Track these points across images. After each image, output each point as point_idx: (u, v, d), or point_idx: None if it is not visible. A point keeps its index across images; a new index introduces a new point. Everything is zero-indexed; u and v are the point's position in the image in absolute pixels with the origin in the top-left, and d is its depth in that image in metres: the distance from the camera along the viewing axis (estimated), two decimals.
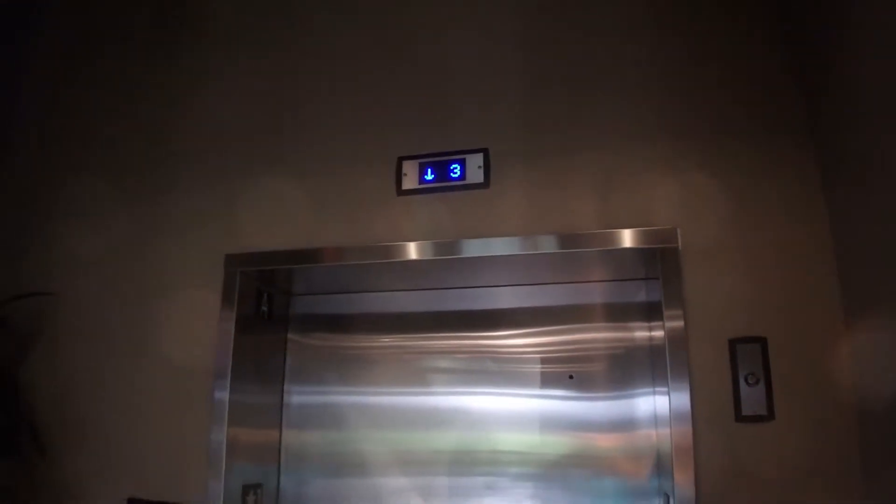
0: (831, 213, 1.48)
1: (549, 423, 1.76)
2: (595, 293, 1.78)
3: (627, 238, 1.52)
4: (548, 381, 1.79)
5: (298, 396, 1.95)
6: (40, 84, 2.11)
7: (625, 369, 1.73)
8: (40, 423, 1.80)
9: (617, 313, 1.76)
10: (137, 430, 1.73)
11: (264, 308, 1.80)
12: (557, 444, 1.75)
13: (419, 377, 1.87)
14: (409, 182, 1.64)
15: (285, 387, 1.95)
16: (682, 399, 1.44)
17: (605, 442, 1.72)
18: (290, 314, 1.99)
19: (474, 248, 1.57)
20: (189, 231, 1.82)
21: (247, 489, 1.66)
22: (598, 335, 1.77)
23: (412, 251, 1.61)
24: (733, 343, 1.47)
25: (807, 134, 1.53)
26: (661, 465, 1.61)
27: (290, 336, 1.98)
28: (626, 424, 1.71)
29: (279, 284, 1.89)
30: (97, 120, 2.00)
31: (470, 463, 1.79)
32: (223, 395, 1.66)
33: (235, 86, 1.91)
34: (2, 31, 2.13)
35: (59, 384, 1.83)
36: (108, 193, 1.92)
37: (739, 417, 1.45)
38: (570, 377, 1.76)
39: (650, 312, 1.70)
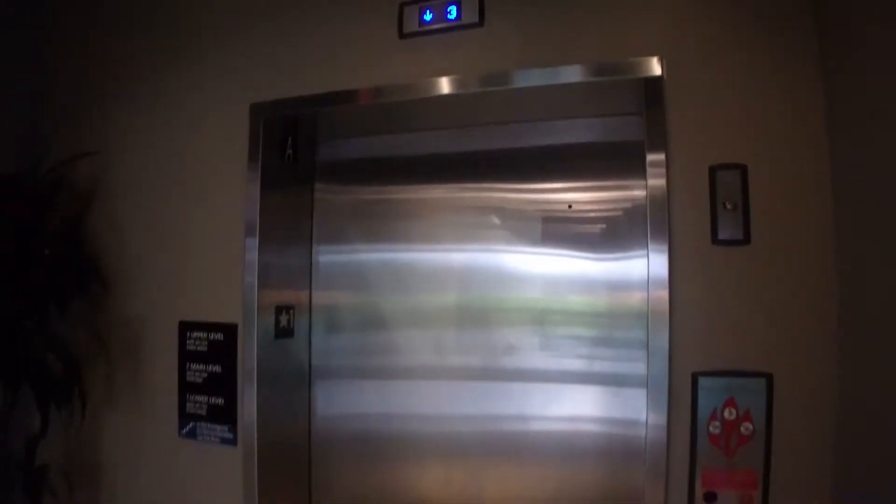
0: (820, 39, 1.48)
1: (556, 281, 1.87)
2: (590, 130, 1.85)
3: (612, 69, 1.58)
4: (553, 237, 1.88)
5: (326, 256, 2.08)
6: None
7: (625, 224, 1.81)
8: (104, 268, 2.06)
9: (615, 151, 1.82)
10: (184, 270, 1.97)
11: (289, 152, 1.94)
12: (562, 300, 1.87)
13: (430, 233, 1.99)
14: (410, 25, 1.74)
15: (314, 246, 2.08)
16: (661, 222, 1.54)
17: (605, 298, 1.83)
18: (316, 163, 2.09)
19: (473, 83, 1.69)
20: (217, 86, 1.96)
21: (279, 309, 1.90)
22: (601, 191, 1.84)
23: (424, 89, 1.72)
24: (713, 170, 1.54)
25: None
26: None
27: (316, 195, 2.09)
28: (623, 284, 1.80)
29: (304, 131, 2.00)
30: None
31: (482, 319, 1.92)
32: (252, 256, 1.84)
33: None
34: None
35: (115, 234, 2.07)
36: (146, 57, 2.07)
37: (715, 240, 1.54)
38: (569, 206, 1.85)
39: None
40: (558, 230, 1.88)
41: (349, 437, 2.03)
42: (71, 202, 2.08)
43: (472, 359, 1.93)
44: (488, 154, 1.95)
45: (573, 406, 1.85)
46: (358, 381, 2.04)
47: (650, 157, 1.57)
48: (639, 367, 1.69)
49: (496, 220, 1.93)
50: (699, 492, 1.55)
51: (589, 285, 1.84)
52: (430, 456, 1.97)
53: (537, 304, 1.88)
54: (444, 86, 1.71)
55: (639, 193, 1.76)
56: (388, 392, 2.01)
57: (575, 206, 1.85)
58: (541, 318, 1.88)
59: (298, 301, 2.02)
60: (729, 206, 1.54)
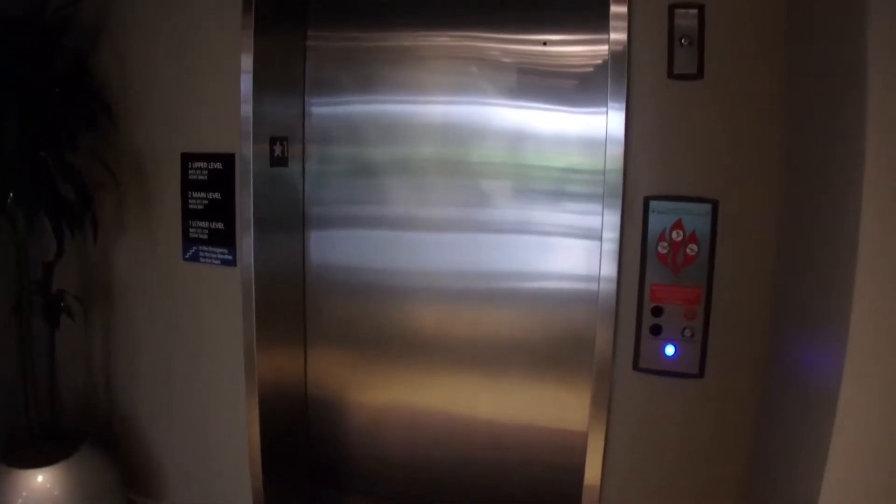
0: None
1: (528, 134, 1.99)
2: None
3: None
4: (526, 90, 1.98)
5: (318, 108, 2.18)
6: None
7: (592, 75, 1.90)
8: (110, 103, 2.19)
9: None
10: (184, 105, 2.10)
11: None
12: (535, 154, 1.99)
13: (414, 84, 2.08)
14: None
15: (306, 98, 2.17)
16: (622, 67, 1.68)
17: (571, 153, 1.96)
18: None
19: None
20: None
21: (273, 140, 2.04)
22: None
23: None
24: (672, 8, 1.65)
25: None
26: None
27: (308, 42, 2.15)
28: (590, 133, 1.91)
29: None
30: None
31: (460, 168, 2.06)
32: (248, 89, 1.95)
33: None
34: None
35: (121, 71, 2.17)
36: None
37: (672, 75, 1.67)
38: (545, 44, 1.93)
39: None
40: (533, 80, 1.97)
41: (340, 276, 2.23)
42: (78, 40, 2.18)
43: (450, 208, 2.09)
44: None
45: (542, 254, 2.03)
46: (347, 229, 2.21)
47: (614, 9, 1.68)
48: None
49: (475, 70, 2.03)
50: (648, 306, 1.75)
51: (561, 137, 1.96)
52: (412, 295, 2.17)
53: (513, 156, 2.02)
54: None
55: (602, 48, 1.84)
56: (375, 238, 2.18)
57: (549, 44, 1.93)
58: (516, 170, 2.02)
59: (292, 135, 2.15)
60: (685, 43, 1.66)
